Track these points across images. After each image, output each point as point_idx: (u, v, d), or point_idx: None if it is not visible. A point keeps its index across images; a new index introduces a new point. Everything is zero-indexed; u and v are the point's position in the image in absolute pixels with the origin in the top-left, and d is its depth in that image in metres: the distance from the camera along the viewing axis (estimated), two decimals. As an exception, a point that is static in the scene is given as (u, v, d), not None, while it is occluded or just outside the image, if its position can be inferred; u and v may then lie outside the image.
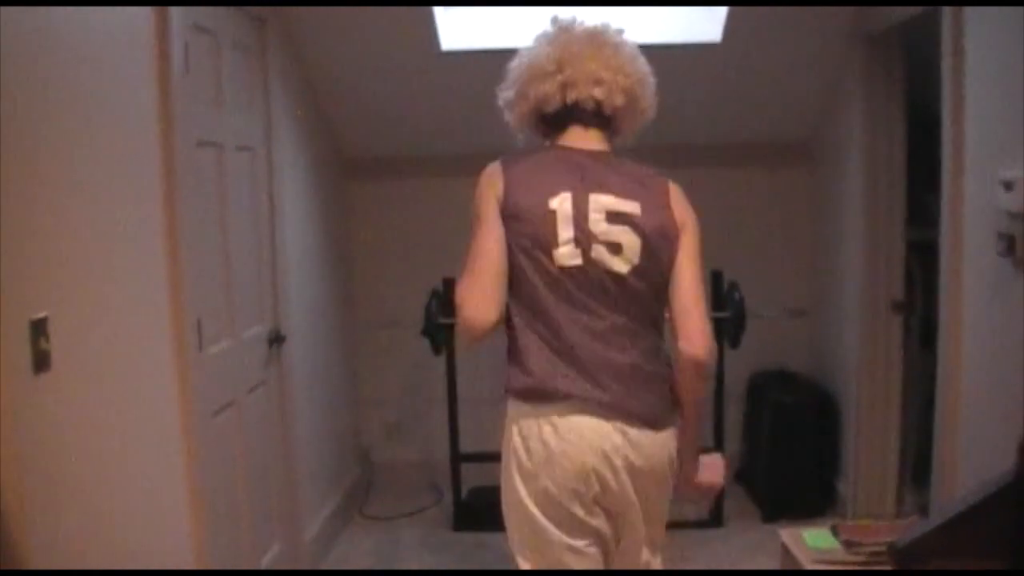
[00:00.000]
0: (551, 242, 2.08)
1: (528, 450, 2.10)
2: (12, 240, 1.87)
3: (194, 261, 2.72)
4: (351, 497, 4.52)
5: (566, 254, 2.08)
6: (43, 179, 2.02)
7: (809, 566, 2.74)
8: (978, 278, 2.88)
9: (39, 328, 1.95)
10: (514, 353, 2.15)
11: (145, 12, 2.50)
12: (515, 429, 2.14)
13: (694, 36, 3.94)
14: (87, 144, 2.20)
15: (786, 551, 2.91)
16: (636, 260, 2.11)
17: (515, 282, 2.12)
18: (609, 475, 2.09)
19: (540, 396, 2.09)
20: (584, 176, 2.13)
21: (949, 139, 3.01)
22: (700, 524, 4.14)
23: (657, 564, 2.27)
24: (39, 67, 2.01)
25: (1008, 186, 2.61)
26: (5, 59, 1.87)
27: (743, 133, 4.52)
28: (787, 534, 2.96)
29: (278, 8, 3.55)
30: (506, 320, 2.15)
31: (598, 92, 2.17)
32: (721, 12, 3.82)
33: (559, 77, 2.18)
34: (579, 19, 2.27)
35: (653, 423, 2.12)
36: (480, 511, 4.23)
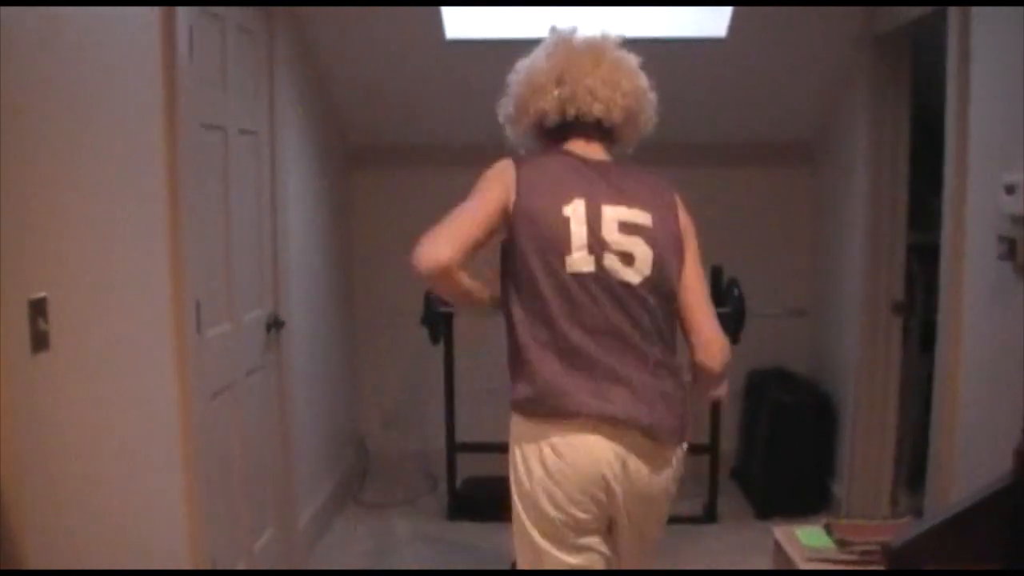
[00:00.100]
0: (565, 247, 2.06)
1: (528, 471, 2.08)
2: (12, 220, 1.86)
3: (195, 244, 2.72)
4: (346, 484, 4.53)
5: (579, 260, 2.06)
6: (45, 160, 2.01)
7: (802, 564, 2.74)
8: (978, 281, 2.88)
9: (38, 308, 1.95)
10: (517, 362, 2.11)
11: (151, -7, 2.50)
12: (517, 450, 2.12)
13: (700, 31, 3.92)
14: (90, 125, 2.20)
15: (779, 548, 2.92)
16: (648, 271, 2.09)
17: (523, 286, 2.09)
18: (607, 498, 2.07)
19: (543, 412, 2.05)
20: (596, 186, 2.12)
21: (952, 141, 3.01)
22: (694, 520, 4.15)
23: None
24: (44, 50, 2.01)
25: (1010, 190, 2.60)
26: (10, 42, 1.87)
27: (746, 132, 4.51)
28: (781, 532, 2.96)
29: (283, 6, 3.54)
30: (509, 326, 2.13)
31: (597, 108, 2.16)
32: (726, 9, 3.80)
33: (557, 92, 2.17)
34: (579, 28, 2.26)
35: (658, 437, 2.08)
36: (475, 501, 4.24)
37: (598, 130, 2.21)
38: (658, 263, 2.10)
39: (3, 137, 1.83)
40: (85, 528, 2.17)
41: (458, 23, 3.92)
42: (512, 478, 2.15)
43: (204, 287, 2.83)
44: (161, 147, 2.56)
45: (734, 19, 3.81)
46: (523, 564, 2.19)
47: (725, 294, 4.03)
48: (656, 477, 2.11)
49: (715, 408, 4.17)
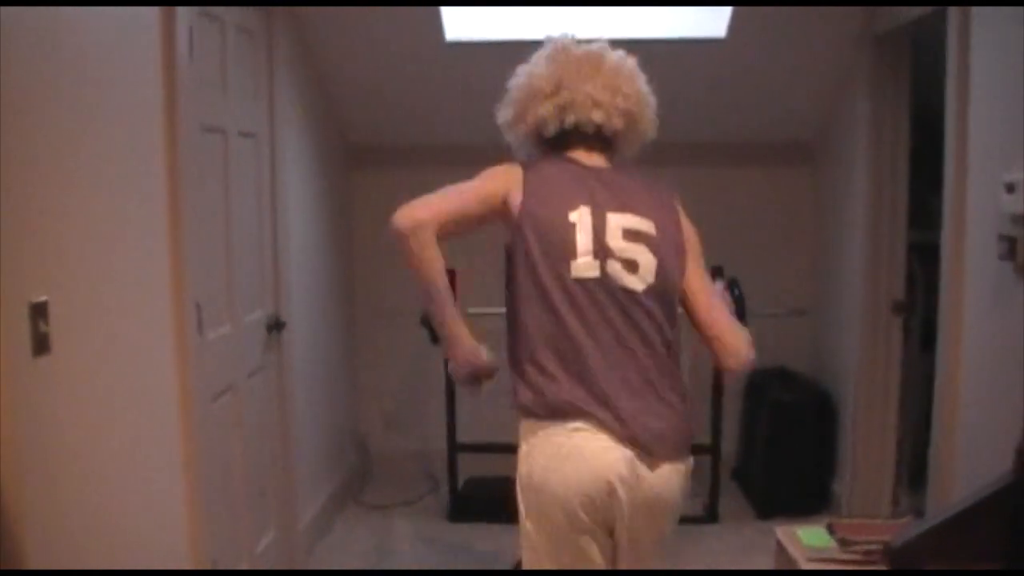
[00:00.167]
0: (570, 253, 2.05)
1: (532, 469, 2.06)
2: (13, 223, 1.87)
3: (195, 246, 2.72)
4: (347, 485, 4.53)
5: (584, 265, 2.05)
6: (46, 162, 2.02)
7: (804, 564, 2.74)
8: (979, 281, 2.88)
9: (39, 311, 1.95)
10: (521, 366, 2.09)
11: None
12: (523, 447, 2.09)
13: (699, 31, 3.93)
14: (90, 128, 2.20)
15: (781, 548, 2.91)
16: (651, 279, 2.08)
17: (528, 291, 2.08)
18: (610, 503, 2.03)
19: (547, 413, 2.04)
20: (601, 194, 2.11)
21: (952, 141, 3.01)
22: (695, 520, 4.15)
23: None
24: (44, 52, 2.01)
25: (1010, 189, 2.60)
26: (10, 44, 1.87)
27: (746, 132, 4.51)
28: (782, 531, 2.96)
29: (284, 6, 3.54)
30: (512, 329, 2.12)
31: (597, 115, 2.15)
32: (726, 9, 3.80)
33: (556, 99, 2.15)
34: (578, 37, 2.25)
35: (663, 452, 2.06)
36: (476, 502, 4.24)
37: (599, 139, 2.20)
38: (661, 271, 2.10)
39: (3, 140, 1.83)
40: (86, 530, 2.17)
41: (458, 25, 3.92)
42: (517, 476, 2.14)
43: (204, 289, 2.83)
44: (161, 149, 2.56)
45: (734, 19, 3.81)
46: (526, 563, 2.18)
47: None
48: (662, 487, 2.08)
49: (716, 409, 4.17)
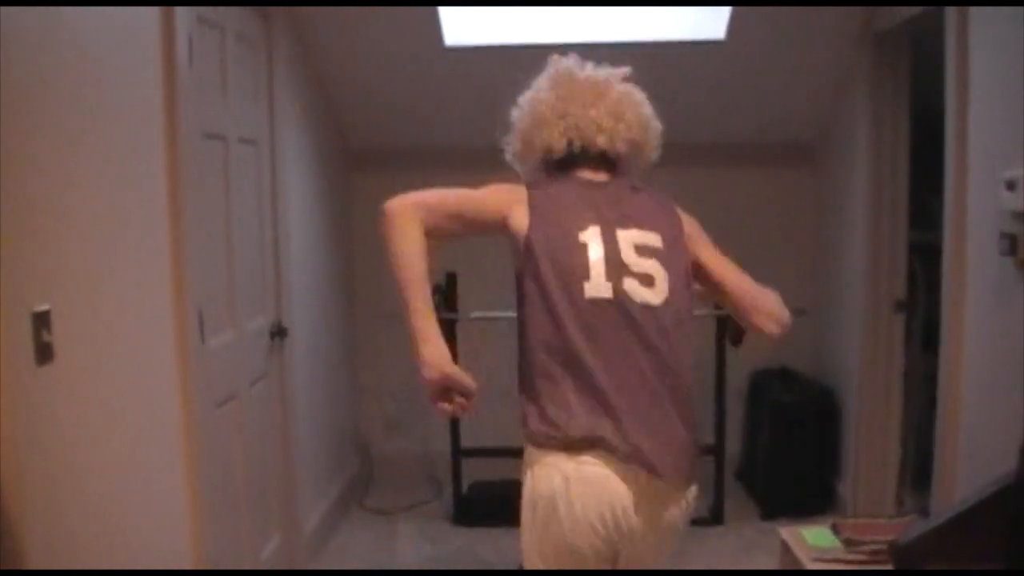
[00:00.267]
0: (583, 273, 2.04)
1: (538, 498, 2.04)
2: (15, 232, 1.87)
3: (197, 253, 2.72)
4: (351, 490, 4.52)
5: (597, 286, 2.03)
6: (47, 171, 2.02)
7: (809, 565, 2.74)
8: (980, 279, 2.88)
9: (41, 320, 1.95)
10: (531, 390, 2.06)
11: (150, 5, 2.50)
12: (529, 474, 2.07)
13: (698, 33, 3.93)
14: (91, 136, 2.20)
15: (786, 549, 2.91)
16: (666, 293, 2.08)
17: (539, 315, 2.05)
18: (617, 531, 2.01)
19: (555, 444, 2.00)
20: (608, 211, 2.11)
21: (952, 139, 3.01)
22: (699, 522, 4.14)
23: None
24: (44, 59, 2.01)
25: (1011, 186, 2.60)
26: (10, 51, 1.87)
27: (747, 133, 4.51)
28: (787, 532, 2.96)
29: (284, 6, 3.55)
30: (523, 352, 2.10)
31: (601, 140, 2.16)
32: (725, 10, 3.81)
33: (561, 125, 2.17)
34: (581, 64, 2.25)
35: (672, 479, 2.04)
36: (480, 506, 4.24)
37: (603, 161, 2.20)
38: (673, 284, 2.09)
39: (4, 148, 1.83)
40: (90, 538, 2.17)
41: (457, 30, 3.92)
42: (524, 503, 2.10)
43: (206, 296, 2.83)
44: (162, 156, 2.56)
45: (733, 21, 3.81)
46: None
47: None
48: (667, 513, 2.07)
49: (719, 409, 4.17)
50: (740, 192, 4.63)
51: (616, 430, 1.99)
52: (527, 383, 2.08)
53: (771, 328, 2.18)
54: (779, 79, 4.16)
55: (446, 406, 2.04)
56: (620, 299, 2.04)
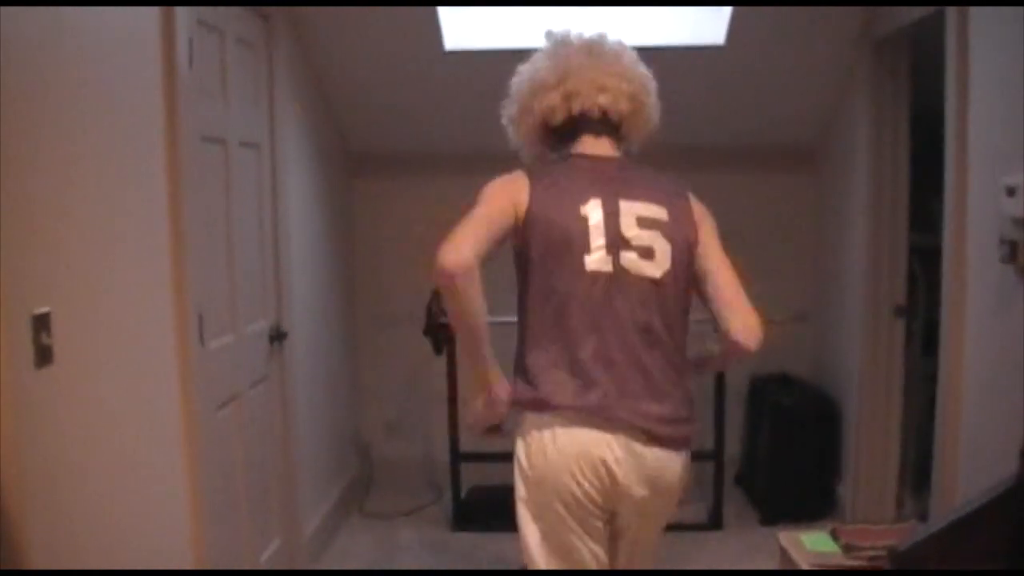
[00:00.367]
0: (583, 247, 2.06)
1: (529, 459, 2.10)
2: (15, 234, 1.87)
3: (197, 256, 2.72)
4: (350, 493, 4.52)
5: (597, 260, 2.07)
6: (47, 174, 2.02)
7: (808, 569, 2.74)
8: (980, 284, 2.88)
9: (41, 323, 1.95)
10: (523, 362, 2.12)
11: (151, 8, 2.50)
12: (520, 439, 2.13)
13: (698, 39, 3.93)
14: (91, 139, 2.21)
15: (785, 554, 2.91)
16: (668, 265, 2.11)
17: (538, 290, 2.09)
18: (611, 484, 2.07)
19: (544, 407, 2.07)
20: (612, 184, 2.12)
21: (953, 143, 3.01)
22: (699, 527, 4.14)
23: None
24: (44, 62, 2.02)
25: (1011, 192, 2.60)
26: (10, 53, 1.87)
27: (747, 137, 4.51)
28: (786, 537, 2.96)
29: (284, 6, 3.55)
30: (519, 329, 2.14)
31: (603, 99, 2.17)
32: (725, 15, 3.81)
33: (562, 88, 2.18)
34: (574, 31, 2.27)
35: (663, 442, 2.10)
36: (479, 511, 4.23)
37: (606, 125, 2.21)
38: (676, 257, 2.12)
39: (4, 152, 1.84)
40: (90, 541, 2.17)
41: (456, 34, 3.93)
42: (515, 468, 2.16)
43: (207, 299, 2.83)
44: (162, 159, 2.56)
45: (732, 27, 3.81)
46: (527, 561, 2.20)
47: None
48: (661, 468, 2.11)
49: (719, 414, 4.17)
50: (740, 195, 4.62)
51: (608, 398, 2.04)
52: (521, 352, 2.14)
53: (740, 339, 2.14)
54: (779, 83, 4.16)
55: (496, 432, 2.24)
56: (619, 272, 2.08)
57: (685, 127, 3.82)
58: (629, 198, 2.11)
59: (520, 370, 2.13)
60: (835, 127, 4.35)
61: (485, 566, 3.88)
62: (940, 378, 3.11)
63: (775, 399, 4.33)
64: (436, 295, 4.12)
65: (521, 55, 2.32)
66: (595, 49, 2.21)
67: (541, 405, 2.07)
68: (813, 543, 2.84)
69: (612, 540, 2.22)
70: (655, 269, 2.10)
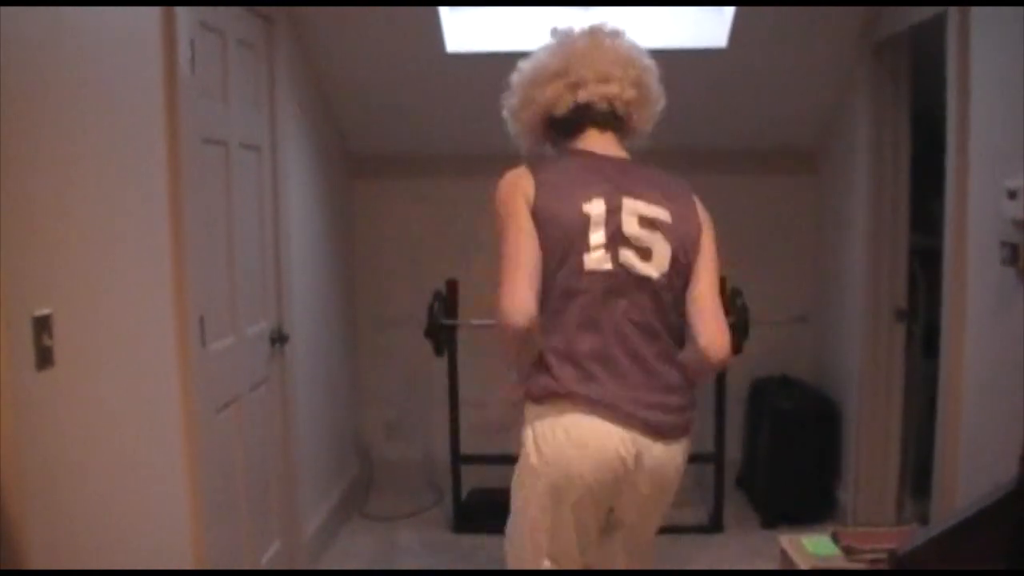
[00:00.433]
0: (583, 246, 2.07)
1: (539, 451, 2.10)
2: (16, 236, 1.87)
3: (198, 258, 2.72)
4: (351, 495, 4.52)
5: (596, 259, 2.08)
6: (47, 175, 2.02)
7: (808, 570, 2.74)
8: (981, 287, 2.88)
9: (42, 324, 1.95)
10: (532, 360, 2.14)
11: (152, 9, 2.51)
12: (529, 431, 2.13)
13: (700, 41, 3.94)
14: (93, 141, 2.21)
15: (785, 556, 2.91)
16: (665, 267, 2.11)
17: (542, 282, 2.10)
18: (615, 478, 2.09)
19: (557, 398, 2.08)
20: (615, 183, 2.12)
21: (954, 146, 3.01)
22: (700, 529, 4.14)
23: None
24: (45, 64, 2.02)
25: (1012, 195, 2.60)
26: (10, 53, 1.87)
27: (748, 139, 4.51)
28: (787, 540, 2.96)
29: (285, 7, 3.55)
30: None
31: (609, 88, 2.17)
32: (727, 17, 3.81)
33: (566, 77, 2.18)
34: (576, 28, 2.27)
35: (667, 434, 2.12)
36: (480, 513, 4.23)
37: (612, 118, 2.21)
38: (674, 260, 2.12)
39: (5, 154, 1.84)
40: (90, 542, 2.17)
41: (458, 36, 3.93)
42: (523, 457, 2.16)
43: (208, 301, 2.83)
44: (163, 161, 2.56)
45: (734, 29, 3.82)
46: (512, 548, 2.22)
47: (729, 304, 4.03)
48: (663, 462, 2.13)
49: (719, 417, 4.16)
50: (741, 198, 4.62)
51: (612, 393, 2.07)
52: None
53: (708, 349, 2.12)
54: (779, 84, 4.16)
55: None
56: (617, 270, 2.08)
57: (686, 128, 3.82)
58: (632, 196, 2.11)
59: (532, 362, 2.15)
60: (836, 128, 4.35)
61: (485, 568, 3.88)
62: (940, 380, 3.11)
63: (775, 401, 4.33)
64: (438, 297, 4.12)
65: (523, 57, 2.32)
66: (597, 38, 2.22)
67: (553, 395, 2.08)
68: (814, 546, 2.84)
69: (608, 532, 2.22)
70: (652, 269, 2.10)
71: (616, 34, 2.25)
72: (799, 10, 3.65)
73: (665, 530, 2.32)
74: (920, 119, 3.81)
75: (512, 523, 2.22)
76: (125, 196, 2.36)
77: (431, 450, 4.80)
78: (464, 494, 4.34)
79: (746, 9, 3.71)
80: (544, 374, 2.10)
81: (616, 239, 2.08)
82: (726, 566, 3.85)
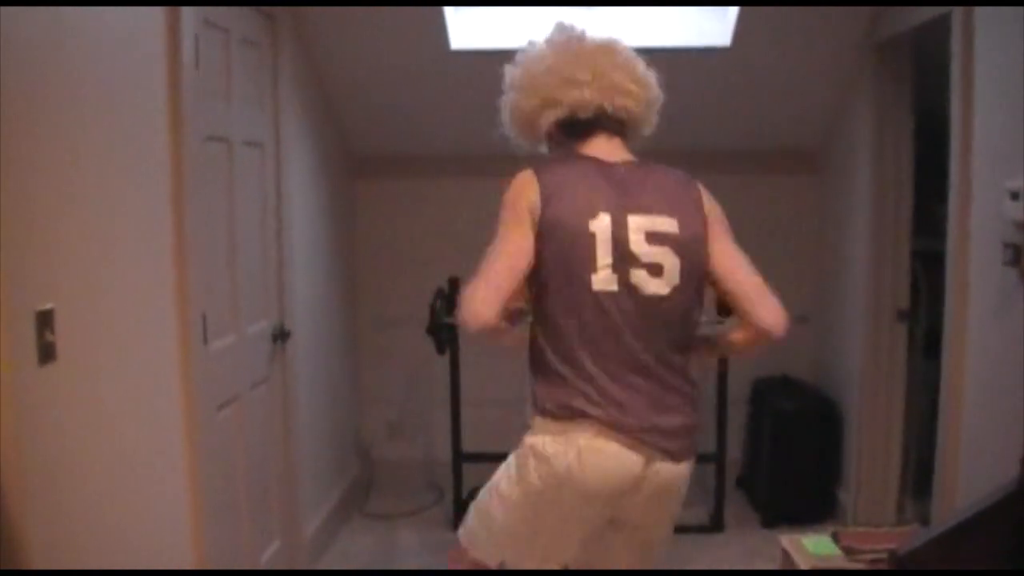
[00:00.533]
0: (590, 265, 2.05)
1: (545, 466, 2.07)
2: (19, 232, 1.87)
3: (200, 256, 2.72)
4: (351, 494, 4.52)
5: (603, 279, 2.06)
6: (50, 171, 2.02)
7: (808, 570, 2.74)
8: (984, 288, 2.88)
9: (45, 320, 1.96)
10: (542, 371, 2.12)
11: (155, 7, 2.51)
12: (535, 441, 2.10)
13: (702, 40, 3.94)
14: (96, 137, 2.21)
15: (786, 557, 2.91)
16: (676, 280, 2.09)
17: (545, 301, 2.09)
18: (623, 498, 2.08)
19: (568, 417, 2.06)
20: (622, 194, 2.10)
21: (957, 147, 3.01)
22: (700, 529, 4.14)
23: None
24: (49, 61, 2.02)
25: (1015, 196, 2.60)
26: (15, 54, 1.88)
27: (750, 140, 4.51)
28: (787, 540, 2.96)
29: (289, 5, 3.55)
30: (533, 334, 2.14)
31: (628, 102, 2.18)
32: (729, 18, 3.81)
33: (596, 84, 2.16)
34: (579, 26, 2.26)
35: (676, 455, 2.11)
36: (480, 511, 4.22)
37: (620, 124, 2.22)
38: (685, 270, 2.11)
39: (7, 149, 1.84)
40: (90, 541, 2.17)
41: (462, 33, 3.93)
42: (516, 470, 2.13)
43: (210, 299, 2.83)
44: (167, 160, 2.56)
45: (738, 28, 3.81)
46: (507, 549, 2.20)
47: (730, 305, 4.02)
48: (671, 482, 2.13)
49: (721, 417, 4.17)
50: (743, 199, 4.59)
51: (619, 411, 2.05)
52: (536, 365, 2.15)
53: (767, 325, 2.12)
54: (783, 86, 4.16)
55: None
56: (626, 292, 2.07)
57: (688, 129, 3.83)
58: (638, 211, 2.09)
59: (541, 376, 2.13)
60: (838, 130, 4.35)
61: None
62: (942, 381, 3.11)
63: (776, 402, 4.33)
64: (440, 295, 4.12)
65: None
66: (612, 50, 2.21)
67: (566, 408, 2.07)
68: (815, 546, 2.84)
69: (607, 534, 2.22)
70: (663, 286, 2.08)
71: (629, 50, 2.25)
72: (802, 10, 3.65)
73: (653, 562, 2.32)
74: (922, 121, 3.82)
75: (491, 502, 2.20)
76: (127, 192, 2.36)
77: (432, 450, 4.80)
78: (465, 493, 4.33)
79: (750, 9, 3.71)
80: (556, 390, 2.08)
81: (624, 259, 2.06)
82: (726, 566, 3.85)
